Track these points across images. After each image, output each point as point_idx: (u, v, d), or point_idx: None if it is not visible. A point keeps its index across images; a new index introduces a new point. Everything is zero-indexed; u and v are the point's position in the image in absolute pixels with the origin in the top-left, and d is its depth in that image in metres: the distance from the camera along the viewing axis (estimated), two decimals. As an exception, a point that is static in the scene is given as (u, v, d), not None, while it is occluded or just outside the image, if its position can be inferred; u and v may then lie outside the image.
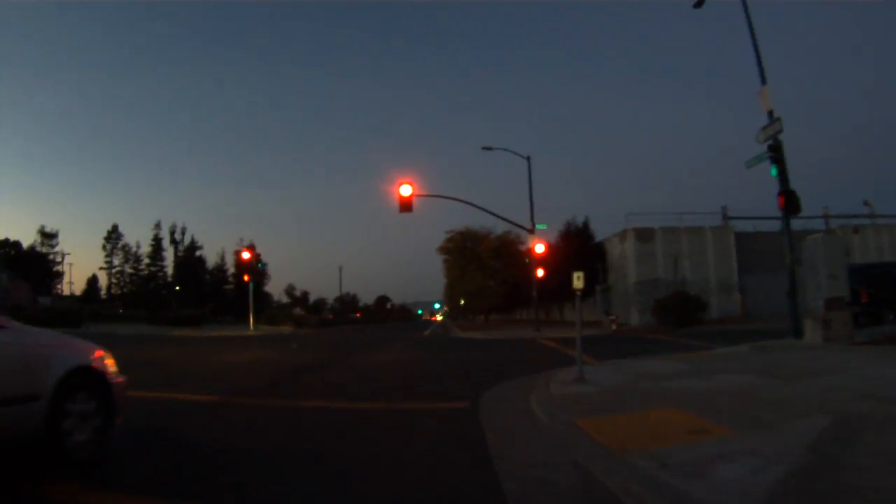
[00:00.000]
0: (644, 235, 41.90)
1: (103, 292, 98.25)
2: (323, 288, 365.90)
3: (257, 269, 57.92)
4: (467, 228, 60.71)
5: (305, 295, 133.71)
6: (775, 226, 46.23)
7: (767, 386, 9.01)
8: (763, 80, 18.54)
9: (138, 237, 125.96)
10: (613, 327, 34.35)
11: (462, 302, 77.75)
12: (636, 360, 14.24)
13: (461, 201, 36.59)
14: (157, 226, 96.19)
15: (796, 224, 46.31)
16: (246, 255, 48.99)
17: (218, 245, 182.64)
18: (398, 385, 11.95)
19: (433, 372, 14.49)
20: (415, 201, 31.12)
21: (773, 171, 17.86)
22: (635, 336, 28.43)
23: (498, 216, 36.51)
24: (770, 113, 17.96)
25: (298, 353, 21.51)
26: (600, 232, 48.82)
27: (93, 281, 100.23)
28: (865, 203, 43.58)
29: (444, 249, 62.59)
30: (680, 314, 34.07)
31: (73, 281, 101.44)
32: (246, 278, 54.84)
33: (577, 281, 11.24)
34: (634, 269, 41.57)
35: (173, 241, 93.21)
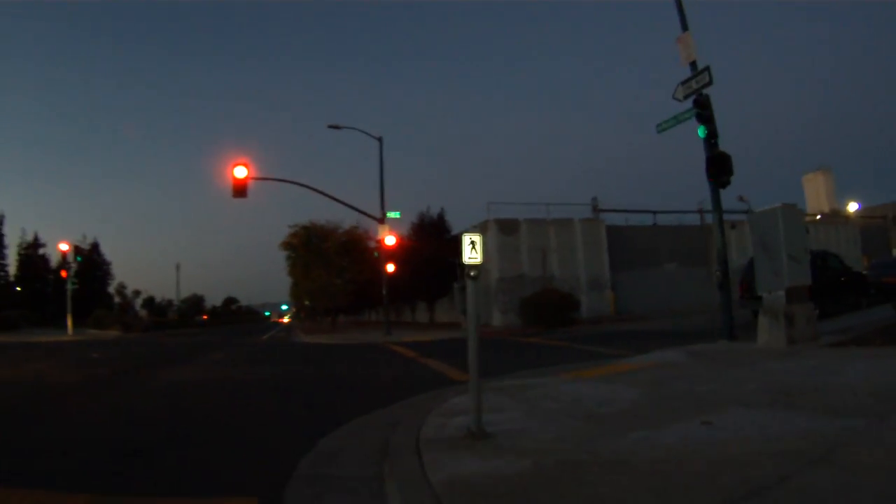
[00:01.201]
0: (507, 227, 37.61)
1: None
2: (170, 289, 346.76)
3: (75, 263, 50.64)
4: (312, 223, 54.50)
5: (136, 294, 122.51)
6: (647, 220, 43.91)
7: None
8: (684, 26, 14.62)
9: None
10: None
11: (307, 302, 72.32)
12: (538, 379, 9.43)
13: (302, 185, 30.87)
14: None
15: (667, 219, 44.55)
16: (64, 247, 41.73)
17: (56, 243, 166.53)
18: (159, 437, 6.95)
19: (235, 404, 9.77)
20: (250, 185, 27.22)
21: (701, 132, 14.06)
22: (505, 339, 23.79)
23: (343, 203, 30.98)
24: (693, 64, 14.26)
25: (83, 367, 16.92)
26: (458, 225, 44.40)
27: None
28: (740, 198, 41.40)
29: (287, 245, 56.44)
30: (551, 313, 30.13)
31: None
32: (63, 274, 47.93)
33: (472, 251, 6.10)
34: (496, 265, 37.14)
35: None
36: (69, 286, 41.80)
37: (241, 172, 26.79)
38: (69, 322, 41.65)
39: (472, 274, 5.79)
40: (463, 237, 6.07)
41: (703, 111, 13.84)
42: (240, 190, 26.91)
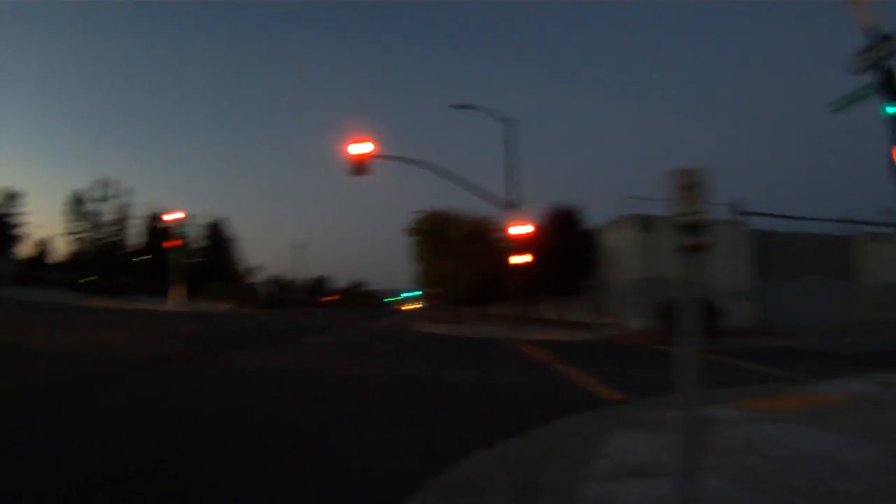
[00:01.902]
0: (647, 224, 34.89)
1: (60, 258, 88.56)
2: (297, 268, 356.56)
3: (180, 234, 51.00)
4: (439, 210, 53.84)
5: (255, 269, 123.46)
6: (788, 226, 40.15)
7: None
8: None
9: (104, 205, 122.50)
10: (610, 332, 27.42)
11: (431, 290, 71.36)
12: (713, 409, 7.31)
13: (427, 166, 29.75)
14: (128, 192, 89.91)
15: (808, 227, 40.65)
16: (168, 218, 41.47)
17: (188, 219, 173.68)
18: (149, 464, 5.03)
19: (300, 414, 7.57)
20: (372, 164, 26.37)
21: (891, 109, 11.31)
22: (648, 347, 21.53)
23: (472, 187, 29.48)
24: (872, 30, 11.44)
25: (156, 341, 15.79)
26: (590, 219, 41.74)
27: (43, 245, 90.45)
28: (883, 210, 37.13)
29: (413, 231, 55.76)
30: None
31: (48, 246, 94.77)
32: (165, 244, 48.38)
33: (689, 197, 4.28)
34: (634, 264, 34.59)
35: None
36: (174, 257, 41.51)
37: (361, 148, 25.96)
38: (171, 293, 41.36)
39: (693, 242, 3.85)
40: (675, 174, 4.08)
41: (890, 83, 11.26)
42: (359, 167, 26.03)
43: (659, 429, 5.93)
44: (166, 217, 41.23)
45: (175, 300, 40.26)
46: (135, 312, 29.49)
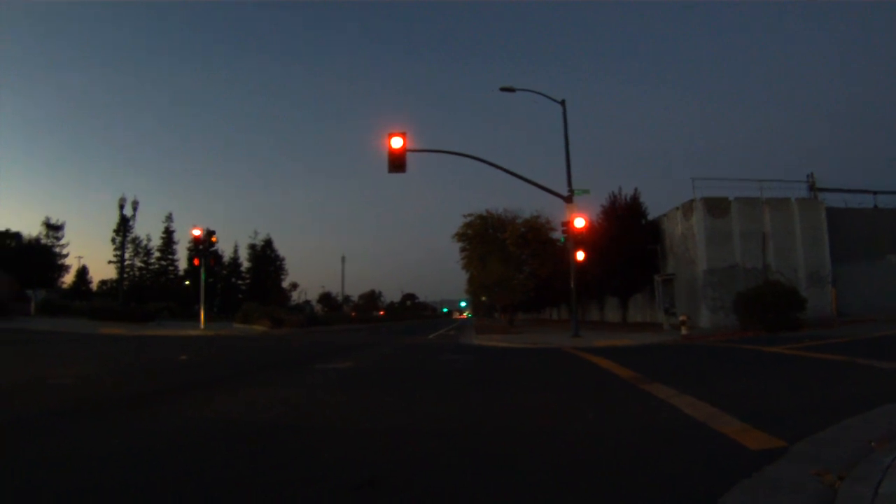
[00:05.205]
0: (717, 208, 31.58)
1: (104, 286, 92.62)
2: (347, 284, 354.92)
3: (211, 252, 48.85)
4: (489, 212, 51.40)
5: (294, 287, 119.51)
6: (866, 201, 36.53)
7: None
8: None
9: (148, 230, 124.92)
10: (684, 331, 24.35)
11: (483, 298, 68.54)
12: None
13: (471, 157, 27.08)
14: (169, 218, 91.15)
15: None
16: (196, 233, 39.17)
17: (233, 241, 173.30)
18: None
19: None
20: (409, 158, 24.73)
21: None
22: (729, 347, 18.45)
23: (523, 179, 26.58)
24: None
25: (131, 376, 12.62)
26: (655, 208, 38.46)
27: (82, 273, 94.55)
28: None
29: (461, 236, 53.15)
30: (775, 313, 24.31)
31: (91, 275, 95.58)
32: (196, 262, 46.43)
33: None
34: (704, 253, 31.40)
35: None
36: (202, 276, 39.02)
37: (397, 142, 24.62)
38: (202, 315, 38.92)
39: None
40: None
41: None
42: (397, 162, 24.61)
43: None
44: (194, 232, 38.86)
45: (206, 323, 37.99)
46: (147, 339, 26.53)
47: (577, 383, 11.29)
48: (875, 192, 36.38)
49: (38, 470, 5.03)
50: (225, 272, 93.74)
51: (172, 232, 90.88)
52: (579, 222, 25.83)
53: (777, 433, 5.64)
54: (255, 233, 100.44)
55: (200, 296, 39.41)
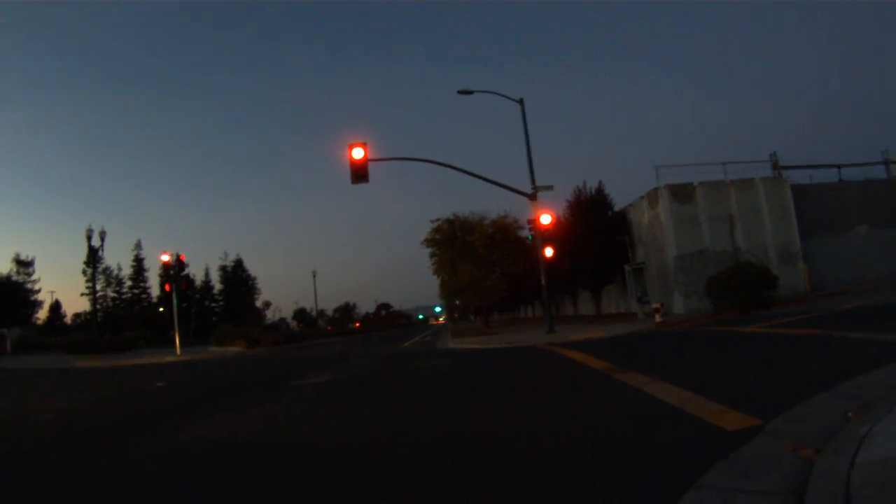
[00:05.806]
0: (682, 194, 31.64)
1: (77, 319, 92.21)
2: (320, 299, 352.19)
3: (182, 276, 48.72)
4: (456, 215, 51.64)
5: (267, 305, 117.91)
6: (829, 176, 36.81)
7: None
8: None
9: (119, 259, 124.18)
10: (658, 319, 24.31)
11: (457, 302, 68.49)
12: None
13: (431, 162, 26.88)
14: (138, 245, 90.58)
15: (851, 174, 37.44)
16: (165, 258, 38.71)
17: (203, 263, 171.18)
18: None
19: None
20: (371, 167, 24.44)
21: None
22: (703, 331, 18.43)
23: (485, 179, 26.25)
24: None
25: (98, 408, 12.11)
26: (620, 199, 38.40)
27: (56, 308, 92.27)
28: None
29: (430, 242, 53.17)
30: (746, 294, 24.35)
31: (65, 309, 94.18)
32: (167, 287, 46.04)
33: None
34: (673, 240, 31.43)
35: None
36: (175, 301, 38.44)
37: (359, 153, 24.24)
38: (177, 340, 38.29)
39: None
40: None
41: None
42: (359, 173, 24.30)
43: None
44: (163, 258, 38.43)
45: (182, 349, 37.30)
46: (124, 369, 25.84)
47: (552, 379, 11.14)
48: (839, 166, 36.73)
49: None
50: (197, 296, 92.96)
51: (142, 259, 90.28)
52: (545, 219, 25.70)
53: (753, 412, 5.48)
54: (226, 254, 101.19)
55: (174, 321, 38.75)
